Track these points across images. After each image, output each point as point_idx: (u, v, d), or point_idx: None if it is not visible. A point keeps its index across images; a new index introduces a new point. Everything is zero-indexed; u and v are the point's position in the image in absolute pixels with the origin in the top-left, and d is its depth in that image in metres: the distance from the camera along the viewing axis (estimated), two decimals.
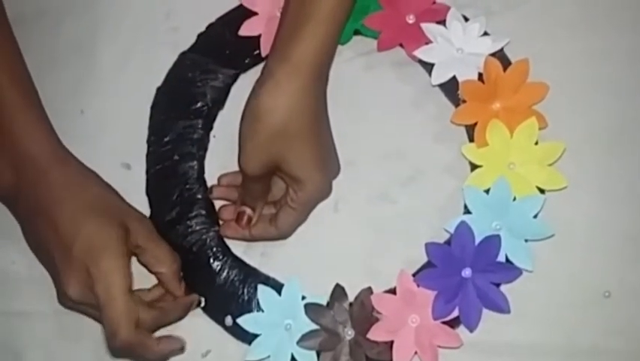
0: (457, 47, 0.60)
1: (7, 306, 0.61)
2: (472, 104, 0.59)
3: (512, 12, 0.61)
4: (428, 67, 0.60)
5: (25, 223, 0.57)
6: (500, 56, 0.60)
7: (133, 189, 0.61)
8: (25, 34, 0.65)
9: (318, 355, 0.57)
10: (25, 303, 0.61)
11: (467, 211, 0.58)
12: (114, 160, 0.62)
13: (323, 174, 0.57)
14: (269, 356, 0.57)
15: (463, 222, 0.57)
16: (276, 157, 0.55)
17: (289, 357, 0.57)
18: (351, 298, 0.57)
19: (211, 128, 0.62)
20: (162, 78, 0.63)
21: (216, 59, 0.62)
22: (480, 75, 0.60)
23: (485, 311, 0.56)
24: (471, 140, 0.59)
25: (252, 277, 0.59)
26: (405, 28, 0.61)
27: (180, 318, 0.58)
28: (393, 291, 0.57)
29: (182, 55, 0.63)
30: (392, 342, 0.56)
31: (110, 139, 0.63)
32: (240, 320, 0.58)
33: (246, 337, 0.58)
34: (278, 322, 0.57)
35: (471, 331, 0.56)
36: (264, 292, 0.58)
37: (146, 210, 0.61)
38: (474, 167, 0.59)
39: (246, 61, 0.62)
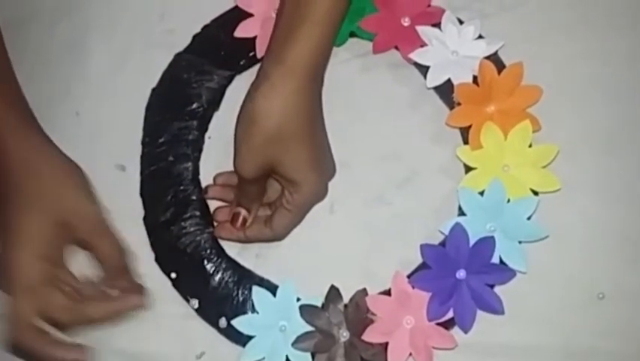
0: (452, 49, 0.60)
1: (3, 308, 0.60)
2: (467, 106, 0.59)
3: (507, 15, 0.62)
4: (423, 69, 0.61)
5: None
6: (495, 59, 0.60)
7: (127, 190, 0.61)
8: (19, 36, 0.65)
9: (313, 357, 0.57)
10: None
11: (462, 213, 0.58)
12: (109, 162, 0.62)
13: (319, 176, 0.57)
14: (264, 358, 0.57)
15: (457, 224, 0.57)
16: (272, 160, 0.55)
17: (284, 359, 0.57)
18: (346, 299, 0.57)
19: (206, 129, 0.62)
20: (157, 79, 0.63)
21: (212, 60, 0.62)
22: (475, 78, 0.60)
23: (479, 313, 0.56)
24: (466, 142, 0.59)
25: (247, 278, 0.59)
26: (400, 31, 0.61)
27: (110, 318, 0.56)
28: (388, 292, 0.57)
29: (178, 56, 0.63)
30: (387, 343, 0.56)
31: (105, 141, 0.63)
32: (234, 322, 0.58)
33: (241, 339, 0.58)
34: (273, 323, 0.57)
35: (465, 332, 0.56)
36: (258, 293, 0.58)
37: (140, 211, 0.61)
38: (468, 169, 0.59)
39: (242, 62, 0.63)
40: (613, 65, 0.60)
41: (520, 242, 0.57)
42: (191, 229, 0.60)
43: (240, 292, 0.59)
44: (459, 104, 0.60)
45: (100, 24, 0.65)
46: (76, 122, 0.63)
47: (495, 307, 0.56)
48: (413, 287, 0.57)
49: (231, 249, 0.60)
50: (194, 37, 0.63)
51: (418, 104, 0.61)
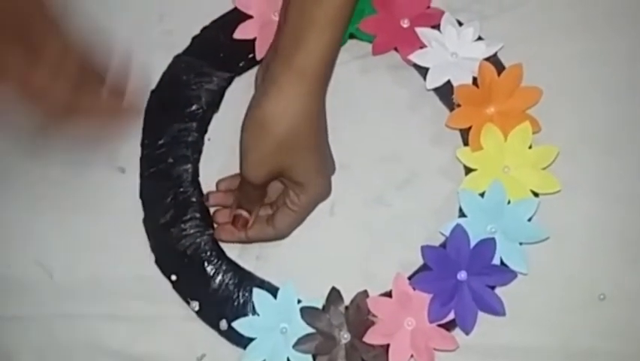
0: (452, 51, 0.60)
1: (2, 311, 0.60)
2: (467, 108, 0.59)
3: (506, 16, 0.62)
4: (423, 71, 0.61)
5: None
6: (494, 60, 0.60)
7: (127, 192, 0.61)
8: None
9: (314, 359, 0.57)
10: (20, 308, 0.60)
11: (462, 214, 0.58)
12: (108, 164, 0.62)
13: (325, 178, 0.57)
14: (264, 360, 0.57)
15: (458, 226, 0.57)
16: (282, 165, 0.55)
17: None
18: (347, 301, 0.57)
19: (205, 131, 0.62)
20: (156, 81, 0.63)
21: (211, 62, 0.62)
22: (474, 79, 0.60)
23: (481, 314, 0.56)
24: (466, 144, 0.59)
25: (247, 280, 0.59)
26: (399, 33, 0.61)
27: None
28: (389, 294, 0.57)
29: (177, 58, 0.63)
30: (388, 345, 0.56)
31: (105, 142, 0.62)
32: (235, 324, 0.57)
33: (241, 341, 0.57)
34: (273, 325, 0.57)
35: (467, 334, 0.56)
36: (259, 295, 0.58)
37: (140, 214, 0.60)
38: (468, 170, 0.59)
39: (241, 64, 0.62)
40: (613, 65, 0.61)
41: (520, 243, 0.57)
42: (191, 231, 0.60)
43: (240, 294, 0.59)
44: (459, 105, 0.60)
45: (99, 25, 0.65)
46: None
47: (496, 309, 0.56)
48: (414, 289, 0.57)
49: (232, 251, 0.60)
50: (194, 38, 0.63)
51: (418, 106, 0.61)
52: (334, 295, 0.57)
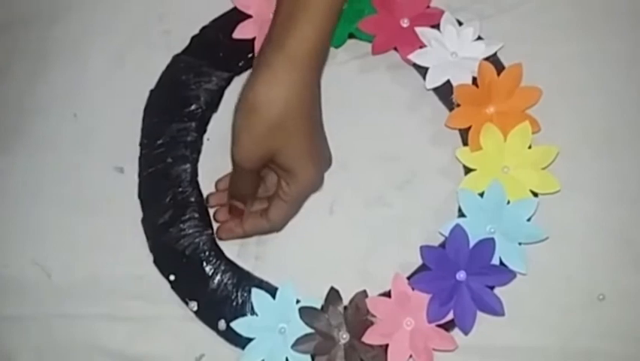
0: (451, 51, 0.60)
1: (0, 310, 0.60)
2: (466, 108, 0.59)
3: (506, 16, 0.62)
4: (422, 70, 0.61)
5: None
6: (494, 60, 0.60)
7: (126, 192, 0.61)
8: (17, 37, 0.65)
9: (313, 359, 0.56)
10: (18, 307, 0.60)
11: (462, 214, 0.58)
12: (107, 164, 0.62)
13: (316, 166, 0.57)
14: (263, 360, 0.57)
15: (457, 226, 0.57)
16: (273, 149, 0.54)
17: None
18: (345, 301, 0.57)
19: (204, 131, 0.62)
20: (155, 81, 0.63)
21: (210, 61, 0.62)
22: (474, 79, 0.60)
23: (480, 314, 0.56)
24: (465, 143, 0.59)
25: (246, 280, 0.59)
26: (399, 32, 0.61)
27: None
28: (387, 294, 0.57)
29: (176, 57, 0.63)
30: (387, 345, 0.56)
31: (103, 142, 0.63)
32: (233, 324, 0.57)
33: (240, 341, 0.57)
34: (272, 326, 0.57)
35: (466, 334, 0.56)
36: (257, 295, 0.58)
37: (138, 213, 0.60)
38: (468, 170, 0.59)
39: (240, 64, 0.62)
40: (612, 65, 0.60)
41: (520, 243, 0.57)
42: (190, 231, 0.60)
43: (239, 294, 0.59)
44: (458, 105, 0.60)
45: (98, 25, 0.65)
46: (75, 124, 0.63)
47: (495, 309, 0.56)
48: (413, 289, 0.57)
49: (230, 251, 0.60)
50: (193, 38, 0.63)
51: (417, 106, 0.61)
52: (333, 295, 0.57)
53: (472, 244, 0.56)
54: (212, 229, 0.60)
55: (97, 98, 0.64)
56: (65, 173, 0.62)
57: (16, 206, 0.62)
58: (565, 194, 0.57)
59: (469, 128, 0.59)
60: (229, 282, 0.59)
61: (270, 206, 0.58)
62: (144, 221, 0.60)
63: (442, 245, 0.58)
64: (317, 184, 0.58)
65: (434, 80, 0.60)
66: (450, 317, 0.56)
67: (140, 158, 0.62)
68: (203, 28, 0.63)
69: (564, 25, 0.61)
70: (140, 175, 0.61)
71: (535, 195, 0.58)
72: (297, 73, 0.53)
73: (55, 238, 0.61)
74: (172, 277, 0.59)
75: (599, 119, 0.60)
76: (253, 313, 0.58)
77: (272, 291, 0.58)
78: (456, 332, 0.56)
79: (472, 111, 0.59)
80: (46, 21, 0.65)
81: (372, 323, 0.56)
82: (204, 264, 0.59)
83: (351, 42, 0.62)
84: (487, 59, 0.60)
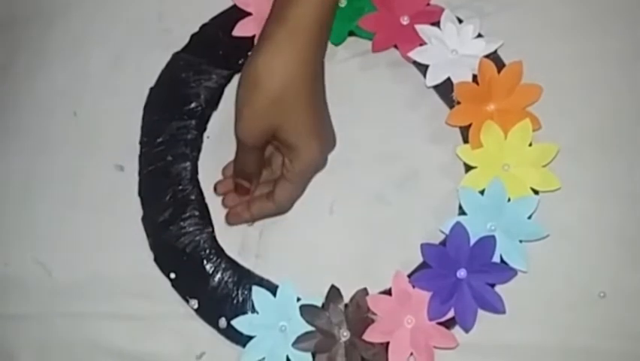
0: (452, 48, 0.60)
1: (1, 309, 0.60)
2: (467, 105, 0.59)
3: (506, 14, 0.62)
4: (423, 68, 0.61)
5: None
6: (494, 57, 0.60)
7: (126, 190, 0.61)
8: (17, 36, 0.65)
9: (314, 357, 0.56)
10: (19, 306, 0.60)
11: (462, 212, 0.58)
12: (107, 162, 0.62)
13: (319, 143, 0.56)
14: (264, 358, 0.57)
15: (458, 223, 0.57)
16: (275, 123, 0.54)
17: (284, 359, 0.56)
18: (346, 299, 0.57)
19: (204, 129, 0.62)
20: (155, 79, 0.62)
21: (210, 59, 0.62)
22: (474, 77, 0.60)
23: (480, 312, 0.56)
24: (465, 141, 0.59)
25: (247, 278, 0.59)
26: (399, 30, 0.61)
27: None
28: (388, 292, 0.57)
29: (176, 55, 0.63)
30: (388, 343, 0.56)
31: (103, 141, 0.62)
32: (234, 322, 0.57)
33: (241, 339, 0.57)
34: (273, 324, 0.57)
35: (466, 332, 0.56)
36: (258, 293, 0.58)
37: (139, 211, 0.60)
38: (468, 168, 0.59)
39: (240, 61, 0.62)
40: (613, 62, 0.60)
41: (520, 241, 0.57)
42: (190, 229, 0.60)
43: (239, 292, 0.59)
44: (458, 103, 0.59)
45: (98, 24, 0.65)
46: (74, 122, 0.63)
47: (496, 307, 0.56)
48: (414, 287, 0.57)
49: (231, 249, 0.60)
50: (193, 36, 0.63)
51: (418, 103, 0.61)
52: (334, 293, 0.57)
53: (472, 241, 0.56)
54: (212, 226, 0.60)
55: (97, 97, 0.63)
56: (65, 171, 0.62)
57: (16, 204, 0.62)
58: (565, 192, 0.57)
59: (470, 125, 0.59)
60: (230, 280, 0.59)
61: (275, 187, 0.58)
62: (144, 219, 0.60)
63: (443, 243, 0.58)
64: (320, 163, 0.57)
65: (434, 77, 0.60)
66: (451, 314, 0.56)
67: (140, 156, 0.62)
68: (203, 26, 0.63)
69: (564, 22, 0.61)
70: (140, 173, 0.61)
71: (536, 192, 0.58)
72: (299, 46, 0.53)
73: (56, 236, 0.61)
74: (172, 275, 0.59)
75: (600, 116, 0.60)
76: (254, 311, 0.58)
77: (272, 289, 0.58)
78: (457, 330, 0.56)
79: (472, 109, 0.59)
80: (46, 19, 0.65)
81: (372, 321, 0.57)
82: (205, 262, 0.59)
83: (351, 40, 0.62)
84: (487, 56, 0.60)
